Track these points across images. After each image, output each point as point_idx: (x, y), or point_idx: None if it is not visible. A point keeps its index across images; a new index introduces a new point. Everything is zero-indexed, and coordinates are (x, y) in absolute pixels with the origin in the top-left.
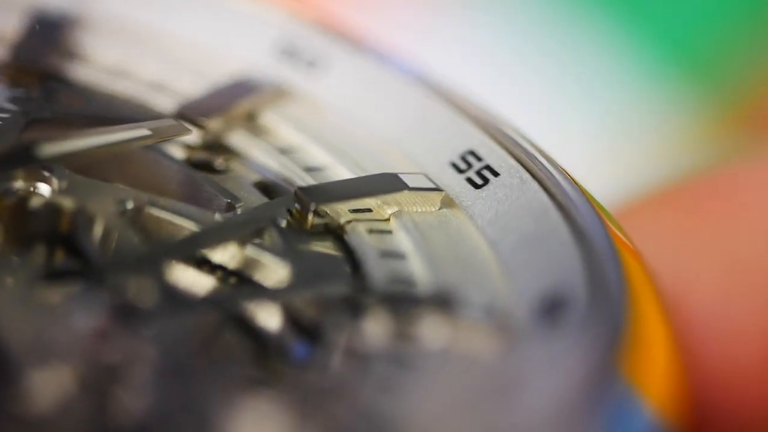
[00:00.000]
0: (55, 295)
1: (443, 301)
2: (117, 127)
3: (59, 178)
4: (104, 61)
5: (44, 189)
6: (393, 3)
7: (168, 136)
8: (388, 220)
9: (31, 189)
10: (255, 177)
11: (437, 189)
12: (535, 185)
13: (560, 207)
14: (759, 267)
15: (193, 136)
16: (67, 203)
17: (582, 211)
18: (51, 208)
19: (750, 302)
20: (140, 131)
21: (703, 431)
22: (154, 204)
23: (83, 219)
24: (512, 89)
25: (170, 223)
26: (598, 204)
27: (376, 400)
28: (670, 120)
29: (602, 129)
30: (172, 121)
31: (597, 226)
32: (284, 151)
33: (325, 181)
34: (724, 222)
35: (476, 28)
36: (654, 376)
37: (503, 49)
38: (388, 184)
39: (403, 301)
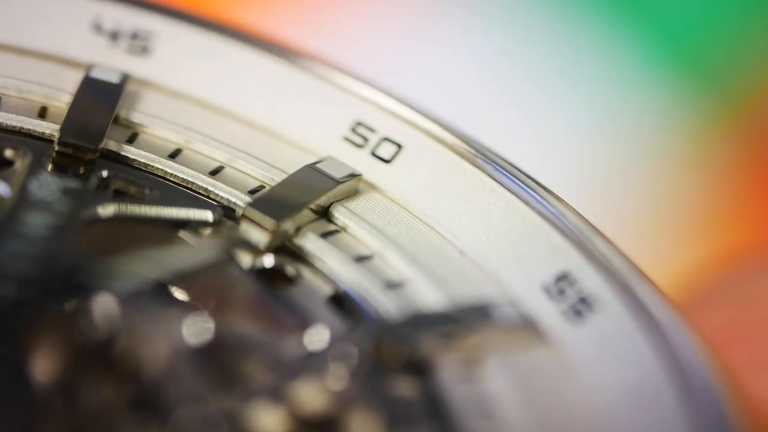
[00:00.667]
0: None
1: None
2: (182, 248)
3: (117, 303)
4: (163, 143)
5: (101, 314)
6: (391, 6)
7: (237, 250)
8: (477, 359)
9: (87, 315)
10: (328, 289)
11: (529, 323)
12: (639, 335)
13: (668, 364)
14: None
15: (261, 238)
16: (127, 333)
17: (693, 371)
18: (111, 343)
19: None
20: (206, 250)
21: None
22: (222, 336)
23: (146, 356)
24: (511, 89)
25: (242, 360)
26: (706, 348)
27: None
28: (670, 120)
29: (601, 129)
30: (239, 236)
31: (710, 391)
32: (359, 259)
33: (406, 299)
34: None
35: (474, 29)
36: None
37: (502, 49)
38: (476, 317)
39: None
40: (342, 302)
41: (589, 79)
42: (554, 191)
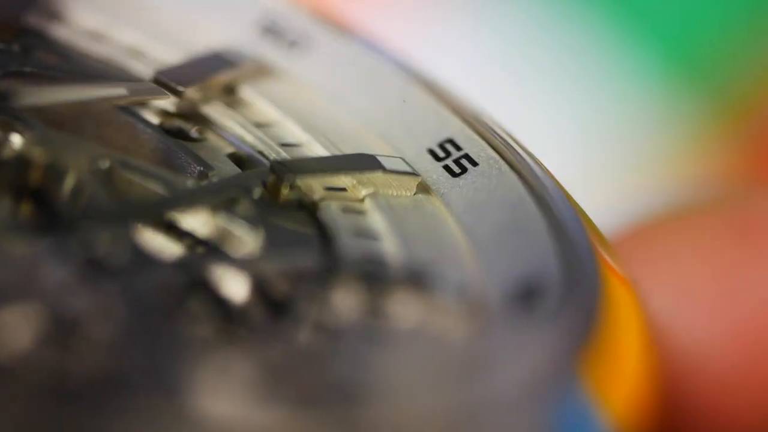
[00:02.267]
0: (19, 245)
1: (416, 279)
2: (95, 84)
3: (32, 130)
4: (83, 24)
5: (16, 140)
6: (390, 5)
7: (145, 97)
8: (362, 200)
9: (2, 139)
10: (229, 149)
11: (414, 173)
12: (513, 176)
13: (538, 199)
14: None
15: (168, 103)
16: (39, 155)
17: (560, 205)
18: (21, 160)
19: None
20: (118, 90)
21: None
22: (127, 165)
23: (54, 173)
24: (510, 89)
25: (142, 185)
26: (573, 200)
27: (343, 373)
28: (670, 121)
29: (600, 129)
30: (150, 84)
31: (574, 221)
32: (260, 125)
33: (300, 156)
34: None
35: (472, 28)
36: (619, 386)
37: (501, 49)
38: (365, 163)
39: (376, 278)
40: (241, 160)
41: (588, 79)
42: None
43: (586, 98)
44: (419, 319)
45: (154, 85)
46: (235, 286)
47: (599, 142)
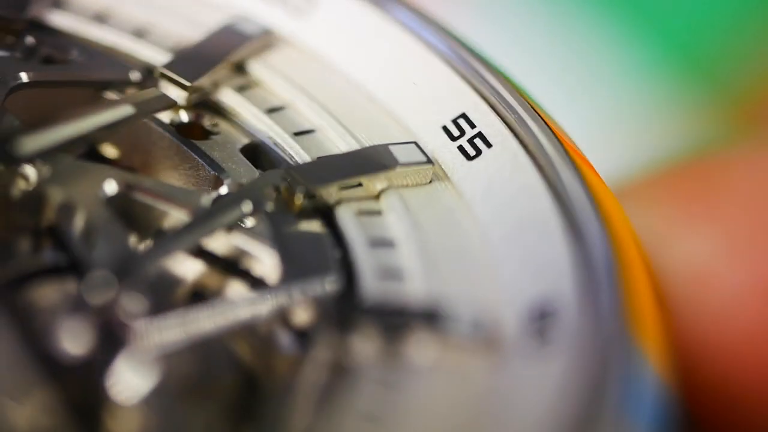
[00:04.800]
0: (41, 296)
1: (432, 316)
2: (100, 108)
3: (41, 164)
4: (88, 7)
5: (26, 176)
6: None
7: (152, 110)
8: (377, 197)
9: (12, 177)
10: (242, 140)
11: (428, 161)
12: (528, 164)
13: (553, 193)
14: (751, 231)
15: (180, 96)
16: (50, 192)
17: (575, 199)
18: (33, 198)
19: (748, 261)
20: (124, 109)
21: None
22: (138, 188)
23: (67, 210)
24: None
25: (156, 209)
26: (596, 180)
27: (360, 427)
28: (671, 119)
29: (600, 128)
30: (156, 92)
31: (592, 221)
32: (272, 111)
33: (314, 145)
34: (718, 197)
35: (475, 23)
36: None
37: (503, 45)
38: (379, 159)
39: (393, 314)
40: (257, 151)
41: (590, 76)
42: (462, 37)
43: (587, 97)
44: (436, 359)
45: (160, 94)
46: (258, 315)
47: (599, 140)
